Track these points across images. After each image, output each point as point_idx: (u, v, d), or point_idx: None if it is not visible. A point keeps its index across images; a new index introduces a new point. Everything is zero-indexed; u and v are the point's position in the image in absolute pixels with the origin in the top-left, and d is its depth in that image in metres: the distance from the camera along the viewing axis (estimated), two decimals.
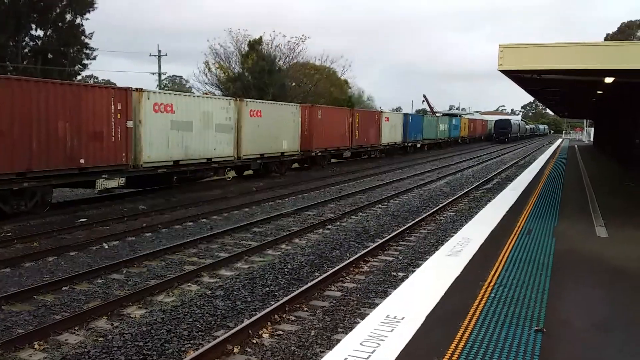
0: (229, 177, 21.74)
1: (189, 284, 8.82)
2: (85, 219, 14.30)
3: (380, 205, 17.40)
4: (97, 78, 73.29)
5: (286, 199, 18.60)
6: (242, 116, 22.13)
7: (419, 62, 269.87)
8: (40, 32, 47.82)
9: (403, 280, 7.72)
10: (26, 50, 46.95)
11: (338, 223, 14.39)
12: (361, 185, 22.68)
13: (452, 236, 10.49)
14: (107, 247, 11.48)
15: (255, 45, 46.37)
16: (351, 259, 10.37)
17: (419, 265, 10.30)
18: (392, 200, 18.50)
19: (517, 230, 9.99)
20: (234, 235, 12.64)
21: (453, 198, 18.67)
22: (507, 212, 12.06)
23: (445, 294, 6.21)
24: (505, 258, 7.92)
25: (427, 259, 8.72)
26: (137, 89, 17.13)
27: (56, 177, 14.49)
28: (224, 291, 8.45)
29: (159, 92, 18.39)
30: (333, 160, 33.22)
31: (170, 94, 18.85)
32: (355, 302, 8.23)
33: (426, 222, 14.56)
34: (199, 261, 10.33)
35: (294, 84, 49.17)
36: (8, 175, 13.17)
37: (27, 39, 46.96)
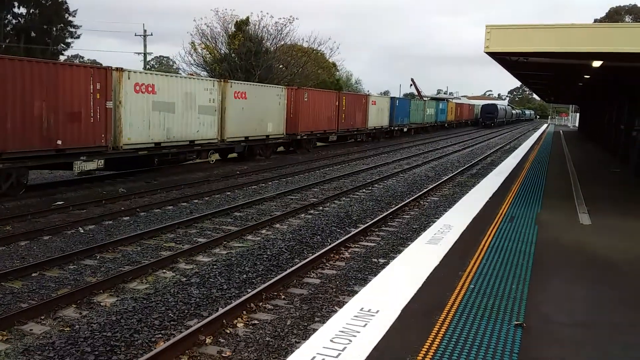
0: (212, 160, 21.42)
1: (164, 271, 8.58)
2: (62, 202, 13.95)
3: (364, 190, 17.22)
4: (82, 58, 71.86)
5: (270, 183, 18.35)
6: (226, 98, 21.75)
7: (408, 45, 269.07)
8: (23, 10, 46.72)
9: (383, 267, 7.55)
10: (8, 28, 45.84)
11: (321, 208, 14.18)
12: (346, 170, 22.47)
13: (435, 222, 10.36)
14: (82, 231, 11.18)
15: (242, 25, 45.60)
16: (332, 245, 10.19)
17: (400, 252, 10.15)
18: (376, 185, 18.32)
19: (499, 217, 9.85)
20: (214, 220, 12.39)
21: (437, 183, 18.54)
22: (490, 198, 11.92)
23: (423, 284, 6.04)
24: (486, 247, 7.77)
25: (409, 244, 8.55)
26: (117, 69, 16.69)
27: (32, 159, 14.10)
28: (200, 278, 8.23)
29: (140, 72, 17.94)
30: (319, 144, 32.95)
31: (151, 74, 18.41)
32: (334, 290, 8.06)
33: (409, 208, 14.41)
34: (176, 247, 10.08)
35: (281, 66, 48.54)
36: None
37: (9, 16, 45.85)
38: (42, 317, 6.62)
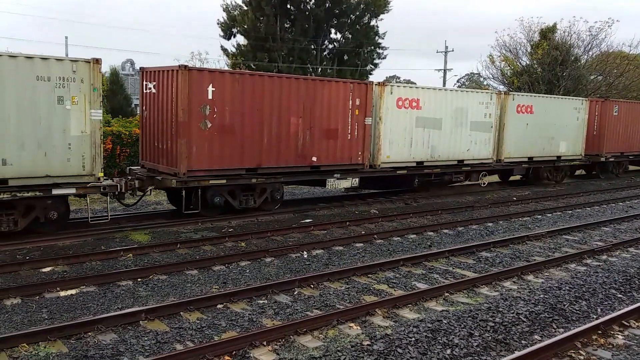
0: (484, 183, 18.87)
1: (351, 324, 6.91)
2: (310, 220, 13.63)
3: None
4: (399, 77, 75.40)
5: (548, 215, 15.04)
6: (506, 112, 19.00)
7: None
8: (338, 35, 51.38)
9: None
10: (325, 52, 50.93)
11: (604, 257, 10.60)
12: None
13: None
14: (305, 256, 10.36)
15: (547, 33, 41.19)
16: (600, 320, 7.08)
17: None
18: None
19: None
20: (451, 259, 10.21)
21: None
22: None
23: None
24: None
25: None
26: (378, 83, 15.84)
27: (285, 175, 14.13)
28: (386, 345, 6.30)
29: (404, 86, 16.75)
30: (632, 168, 26.88)
31: (417, 88, 17.02)
32: None
33: None
34: (386, 291, 8.33)
35: (593, 75, 42.14)
36: (238, 170, 13.23)
37: (326, 42, 50.93)
38: None
